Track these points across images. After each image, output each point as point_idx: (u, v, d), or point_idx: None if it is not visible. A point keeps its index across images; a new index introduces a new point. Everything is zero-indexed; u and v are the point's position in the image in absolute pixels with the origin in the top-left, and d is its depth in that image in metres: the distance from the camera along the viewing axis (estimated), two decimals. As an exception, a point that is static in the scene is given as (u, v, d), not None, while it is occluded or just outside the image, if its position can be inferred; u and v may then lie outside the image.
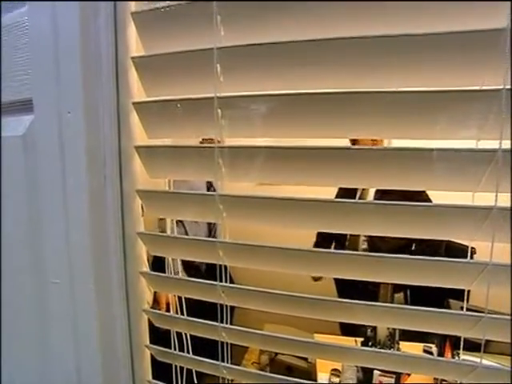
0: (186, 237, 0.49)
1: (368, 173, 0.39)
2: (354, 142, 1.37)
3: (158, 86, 0.46)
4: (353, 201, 0.40)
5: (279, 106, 0.41)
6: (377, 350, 0.43)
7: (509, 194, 0.34)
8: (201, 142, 0.59)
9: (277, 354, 1.92)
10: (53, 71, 0.41)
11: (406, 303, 1.87)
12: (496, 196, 0.35)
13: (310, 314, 0.44)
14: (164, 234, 0.50)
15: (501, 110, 0.34)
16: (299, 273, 0.43)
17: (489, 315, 0.37)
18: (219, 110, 0.42)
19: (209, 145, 0.41)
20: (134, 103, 0.45)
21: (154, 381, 0.55)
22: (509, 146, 0.34)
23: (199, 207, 0.45)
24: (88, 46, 0.40)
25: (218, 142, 0.40)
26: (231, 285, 0.47)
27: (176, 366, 0.56)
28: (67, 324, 0.48)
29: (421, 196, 1.31)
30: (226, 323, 0.49)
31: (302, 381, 0.44)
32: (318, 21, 0.38)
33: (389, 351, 0.42)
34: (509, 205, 0.35)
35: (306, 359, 1.82)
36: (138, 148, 0.46)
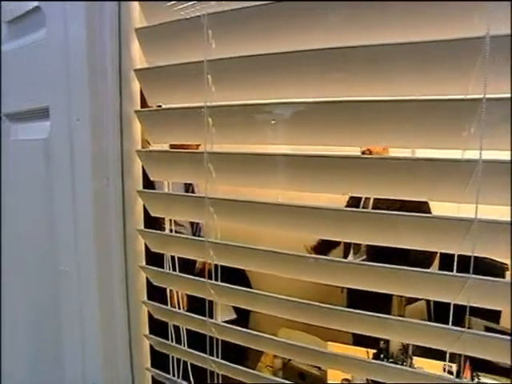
0: (179, 235, 0.52)
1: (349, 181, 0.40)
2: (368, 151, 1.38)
3: (158, 95, 0.50)
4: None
5: (265, 114, 0.43)
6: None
7: (488, 207, 0.34)
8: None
9: (289, 360, 1.91)
10: (64, 82, 0.46)
11: (429, 313, 1.79)
12: (476, 208, 0.35)
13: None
14: (162, 232, 0.54)
15: (481, 119, 0.33)
16: (279, 275, 0.44)
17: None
18: (209, 119, 0.45)
19: (198, 150, 0.44)
20: (136, 111, 0.49)
21: (153, 368, 0.59)
22: (489, 157, 0.33)
23: (191, 208, 0.49)
24: (94, 59, 0.45)
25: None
26: (220, 283, 0.49)
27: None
28: (74, 308, 0.53)
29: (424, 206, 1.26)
30: (217, 319, 0.52)
31: (282, 381, 0.45)
32: (301, 33, 0.40)
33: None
34: (489, 217, 0.34)
35: (319, 367, 1.80)
36: (138, 152, 0.50)
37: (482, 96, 0.32)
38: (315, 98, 0.39)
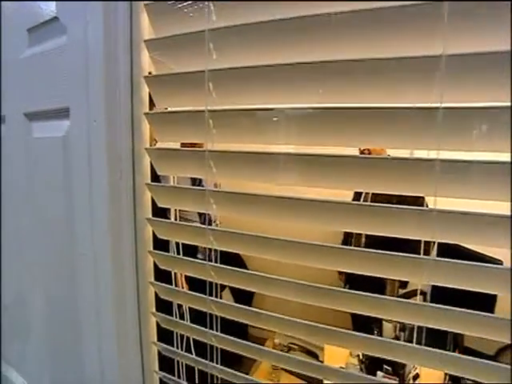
0: (182, 223, 0.59)
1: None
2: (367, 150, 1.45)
3: (165, 100, 0.56)
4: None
5: (261, 117, 0.49)
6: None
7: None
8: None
9: (288, 351, 2.00)
10: (84, 86, 0.53)
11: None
12: (435, 200, 0.41)
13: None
14: (167, 221, 0.61)
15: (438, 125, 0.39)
16: (275, 259, 0.51)
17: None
18: (210, 121, 0.51)
19: (201, 149, 0.51)
20: (145, 113, 0.55)
21: (159, 343, 0.66)
22: (446, 156, 0.39)
23: (193, 200, 0.55)
24: (110, 67, 0.51)
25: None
26: (219, 265, 0.56)
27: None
28: (90, 290, 0.60)
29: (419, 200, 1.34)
30: (217, 297, 0.58)
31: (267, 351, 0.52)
32: (291, 47, 0.46)
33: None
34: (446, 208, 0.40)
35: (317, 357, 1.88)
36: (147, 150, 0.56)
37: (439, 105, 0.38)
38: (303, 104, 0.45)
